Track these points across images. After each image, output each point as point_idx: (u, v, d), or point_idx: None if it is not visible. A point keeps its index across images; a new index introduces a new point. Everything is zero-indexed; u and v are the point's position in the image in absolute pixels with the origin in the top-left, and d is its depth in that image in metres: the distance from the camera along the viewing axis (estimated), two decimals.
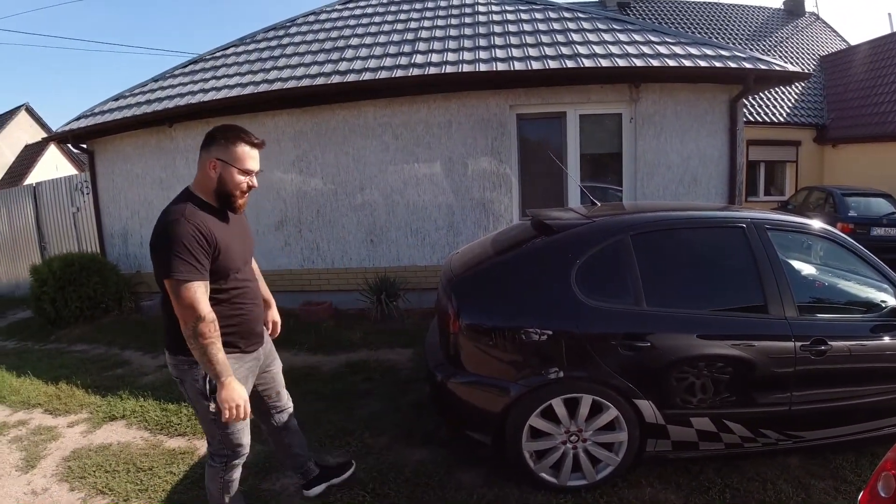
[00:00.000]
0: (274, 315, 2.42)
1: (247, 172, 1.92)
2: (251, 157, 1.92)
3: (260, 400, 2.30)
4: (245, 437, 2.09)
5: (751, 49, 12.77)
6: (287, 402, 2.44)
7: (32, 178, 17.68)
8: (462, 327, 2.44)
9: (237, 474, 2.18)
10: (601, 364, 2.31)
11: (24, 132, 21.60)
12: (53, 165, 19.36)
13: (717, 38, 14.09)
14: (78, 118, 7.18)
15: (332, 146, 5.96)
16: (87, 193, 7.74)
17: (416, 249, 5.89)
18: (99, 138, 7.09)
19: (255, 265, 2.27)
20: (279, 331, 2.44)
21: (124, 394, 4.17)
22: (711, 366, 2.34)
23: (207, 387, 1.92)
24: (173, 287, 1.77)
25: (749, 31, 15.44)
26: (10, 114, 21.99)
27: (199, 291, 1.78)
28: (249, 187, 1.94)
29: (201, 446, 3.25)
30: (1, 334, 6.92)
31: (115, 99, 7.16)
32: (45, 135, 21.02)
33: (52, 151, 20.07)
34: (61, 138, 7.53)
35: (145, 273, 7.09)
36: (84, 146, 7.36)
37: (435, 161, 5.75)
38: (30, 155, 20.49)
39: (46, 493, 2.98)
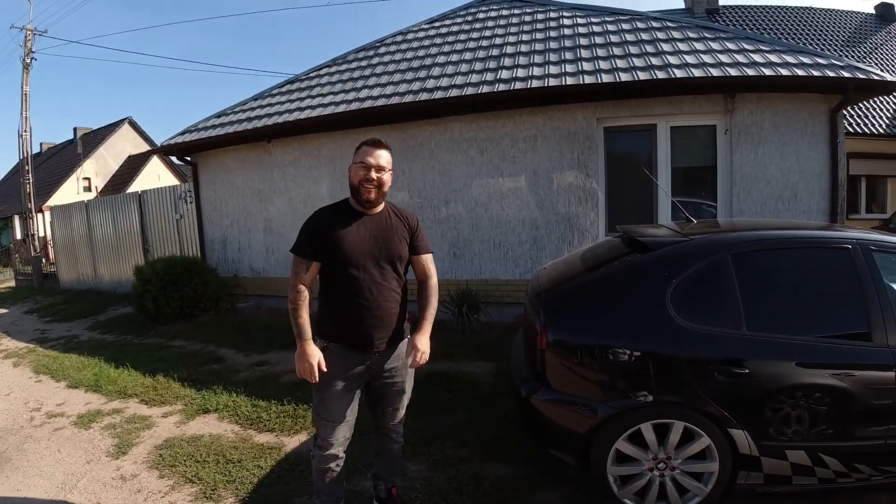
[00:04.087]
0: (417, 340, 2.18)
1: (363, 165, 2.12)
2: (367, 152, 2.14)
3: (372, 407, 2.37)
4: (326, 430, 2.17)
5: (845, 56, 11.89)
6: (394, 428, 2.39)
7: (136, 186, 19.33)
8: (549, 343, 2.40)
9: (324, 465, 2.20)
10: (695, 389, 2.22)
11: (127, 143, 23.72)
12: (156, 175, 21.13)
13: (808, 45, 13.22)
14: (183, 133, 7.80)
15: (419, 161, 6.12)
16: (191, 202, 8.37)
17: (499, 263, 5.90)
18: (202, 151, 7.69)
19: (430, 284, 2.29)
20: (419, 361, 2.19)
21: (218, 388, 4.32)
22: (811, 396, 2.20)
23: None
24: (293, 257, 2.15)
25: (842, 37, 14.35)
26: (114, 126, 24.18)
27: (300, 266, 2.12)
28: (367, 179, 2.11)
29: (289, 443, 3.36)
30: (102, 328, 7.47)
31: (218, 116, 7.73)
32: (146, 146, 23.05)
33: (155, 162, 21.90)
34: (167, 150, 8.18)
35: (242, 277, 7.58)
36: (188, 158, 7.99)
37: (520, 175, 5.76)
38: (133, 165, 22.43)
39: (135, 478, 3.06)
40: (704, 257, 2.41)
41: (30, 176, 15.06)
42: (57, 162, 23.95)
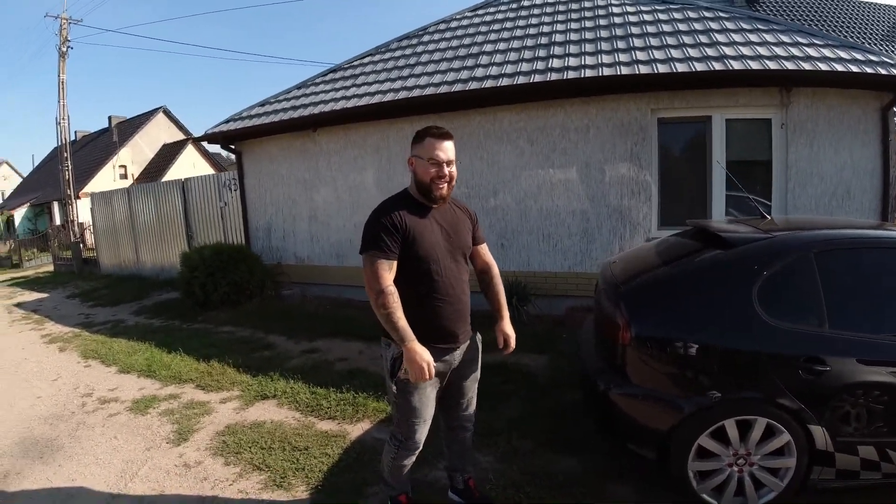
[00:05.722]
0: (504, 328, 2.31)
1: (435, 162, 2.01)
2: (436, 146, 2.02)
3: (447, 399, 2.35)
4: (419, 433, 2.15)
5: (889, 50, 11.53)
6: (466, 418, 2.42)
7: (171, 174, 19.71)
8: (632, 337, 2.40)
9: (406, 462, 2.24)
10: (780, 386, 2.23)
11: (161, 132, 24.18)
12: (191, 164, 21.48)
13: (849, 38, 12.75)
14: (227, 121, 7.89)
15: (466, 150, 6.06)
16: (235, 190, 8.49)
17: (548, 255, 5.85)
18: (247, 140, 7.76)
19: (496, 272, 2.35)
20: (512, 345, 2.32)
21: (274, 375, 4.33)
22: (886, 392, 2.22)
23: (390, 368, 2.08)
24: (364, 261, 1.99)
25: (881, 31, 13.80)
26: (149, 115, 24.63)
27: (383, 267, 1.96)
28: (440, 176, 2.03)
29: (352, 431, 3.34)
30: (148, 313, 7.61)
31: (262, 104, 7.79)
32: (181, 135, 23.49)
33: (190, 150, 22.27)
34: (211, 139, 8.26)
35: (286, 265, 7.66)
36: (232, 147, 8.08)
37: (570, 166, 5.68)
38: (168, 153, 22.87)
39: (200, 466, 3.01)
40: (789, 254, 2.42)
41: (68, 163, 15.41)
42: (92, 150, 24.53)
